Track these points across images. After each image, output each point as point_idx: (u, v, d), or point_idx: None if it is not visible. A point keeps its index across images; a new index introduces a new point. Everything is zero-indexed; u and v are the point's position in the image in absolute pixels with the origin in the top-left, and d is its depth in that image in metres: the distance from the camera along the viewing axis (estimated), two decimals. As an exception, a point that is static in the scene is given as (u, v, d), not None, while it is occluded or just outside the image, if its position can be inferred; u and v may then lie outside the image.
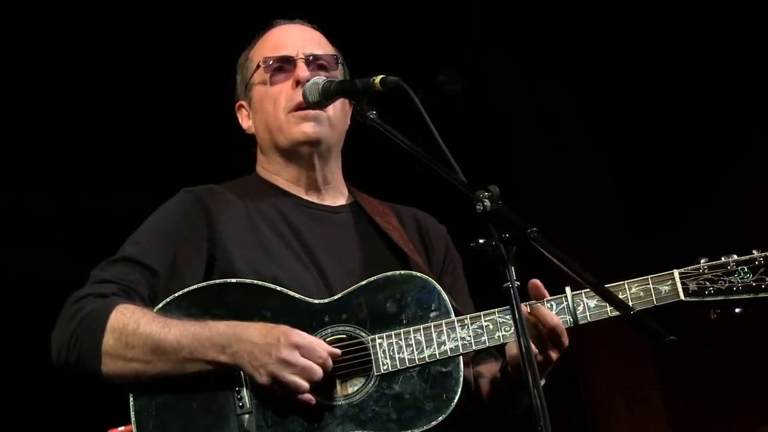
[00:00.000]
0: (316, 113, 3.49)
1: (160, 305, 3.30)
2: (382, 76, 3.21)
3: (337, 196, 3.64)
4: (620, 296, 3.19)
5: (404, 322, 3.27)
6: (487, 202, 2.86)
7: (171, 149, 6.55)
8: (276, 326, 3.20)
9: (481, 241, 2.84)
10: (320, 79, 3.43)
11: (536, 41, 7.14)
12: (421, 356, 3.22)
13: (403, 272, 3.34)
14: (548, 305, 3.24)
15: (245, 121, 3.69)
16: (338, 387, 3.23)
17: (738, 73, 6.74)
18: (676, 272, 3.25)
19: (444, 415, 3.17)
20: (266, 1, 4.04)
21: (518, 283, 2.83)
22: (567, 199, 7.43)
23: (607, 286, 3.07)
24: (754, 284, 3.23)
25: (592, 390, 7.42)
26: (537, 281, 3.24)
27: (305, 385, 3.15)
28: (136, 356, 3.22)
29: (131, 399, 3.24)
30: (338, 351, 3.21)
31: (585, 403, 7.39)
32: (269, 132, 3.58)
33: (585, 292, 3.23)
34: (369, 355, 3.23)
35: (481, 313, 3.26)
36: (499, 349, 3.36)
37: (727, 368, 6.74)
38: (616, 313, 3.14)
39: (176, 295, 3.30)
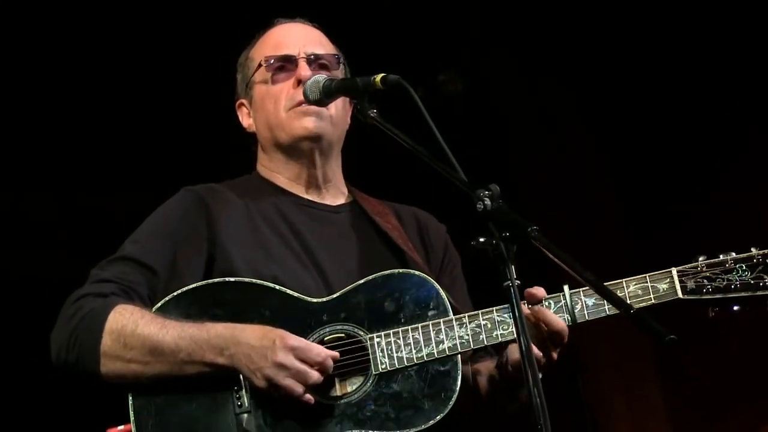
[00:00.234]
0: (318, 109, 3.49)
1: (159, 304, 3.30)
2: (383, 74, 3.20)
3: (336, 195, 3.64)
4: (618, 294, 3.19)
5: (402, 320, 3.27)
6: (488, 201, 2.86)
7: (171, 149, 6.55)
8: (273, 329, 3.20)
9: (481, 239, 2.84)
10: (321, 77, 3.43)
11: (536, 41, 7.14)
12: (420, 355, 3.22)
13: (401, 271, 3.35)
14: (546, 303, 3.24)
15: (245, 120, 3.69)
16: (337, 386, 3.23)
17: (738, 73, 6.74)
18: (674, 270, 3.25)
19: (442, 414, 3.17)
20: (266, 1, 4.03)
21: (518, 282, 2.83)
22: (567, 199, 7.42)
23: (605, 284, 3.08)
24: (752, 282, 3.23)
25: (592, 388, 7.42)
26: (533, 291, 3.23)
27: (300, 388, 3.14)
28: (134, 357, 3.23)
29: (130, 398, 3.24)
30: (336, 354, 3.21)
31: (585, 401, 7.39)
32: (270, 130, 3.58)
33: (583, 291, 3.23)
34: (367, 354, 3.23)
35: (479, 311, 3.26)
36: (494, 347, 3.36)
37: (727, 367, 6.74)
38: (615, 311, 3.15)
39: (175, 294, 3.31)
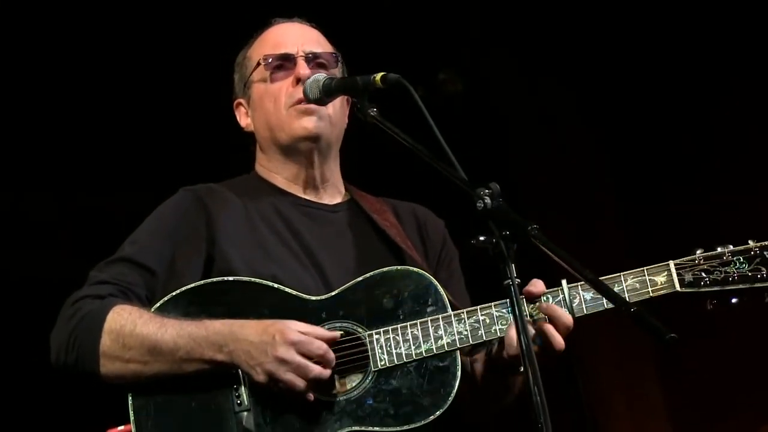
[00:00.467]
0: (317, 108, 3.49)
1: (158, 304, 3.30)
2: (383, 73, 3.20)
3: (334, 195, 3.64)
4: (616, 288, 3.19)
5: (401, 317, 3.27)
6: (488, 200, 2.86)
7: (171, 149, 6.55)
8: (273, 323, 3.20)
9: (481, 238, 2.84)
10: (321, 76, 3.43)
11: (536, 41, 7.14)
12: (419, 351, 3.23)
13: (399, 268, 3.35)
14: (544, 298, 3.24)
15: (243, 119, 3.69)
16: (336, 383, 3.23)
17: (738, 73, 6.74)
18: (671, 263, 3.25)
19: (442, 410, 3.18)
20: (265, 1, 4.03)
21: (519, 280, 2.83)
22: (567, 199, 7.42)
23: (603, 277, 3.09)
24: (750, 274, 3.22)
25: (592, 386, 7.42)
26: (532, 288, 3.24)
27: (301, 383, 3.15)
28: (133, 357, 3.23)
29: (130, 398, 3.25)
30: (336, 334, 3.21)
31: (584, 399, 7.39)
32: (269, 129, 3.58)
33: (581, 285, 3.23)
34: (366, 350, 3.24)
35: (478, 307, 3.27)
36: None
37: (727, 366, 6.74)
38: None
39: (174, 293, 3.31)
